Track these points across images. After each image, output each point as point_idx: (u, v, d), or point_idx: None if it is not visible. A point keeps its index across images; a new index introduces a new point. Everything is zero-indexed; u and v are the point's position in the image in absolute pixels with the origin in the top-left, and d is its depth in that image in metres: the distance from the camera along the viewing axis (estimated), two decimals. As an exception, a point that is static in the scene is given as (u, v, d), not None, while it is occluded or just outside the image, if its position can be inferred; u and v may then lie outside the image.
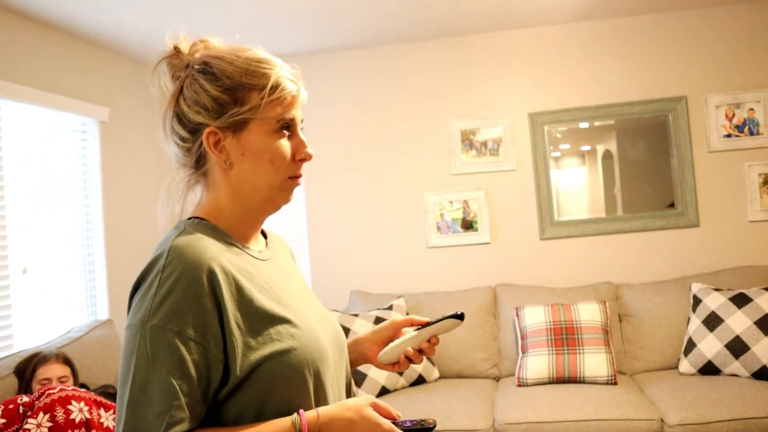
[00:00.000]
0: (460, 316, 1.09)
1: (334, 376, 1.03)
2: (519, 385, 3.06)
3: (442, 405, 2.88)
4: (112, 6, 3.00)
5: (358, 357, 1.19)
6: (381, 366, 1.15)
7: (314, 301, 1.11)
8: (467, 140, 3.70)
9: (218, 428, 0.90)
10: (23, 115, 3.08)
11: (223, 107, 0.97)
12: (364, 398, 0.96)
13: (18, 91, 2.99)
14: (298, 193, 3.97)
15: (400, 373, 3.14)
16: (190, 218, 1.01)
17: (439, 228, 3.75)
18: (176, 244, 0.91)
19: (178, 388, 0.84)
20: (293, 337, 0.94)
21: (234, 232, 1.02)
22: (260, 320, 0.93)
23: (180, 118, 0.99)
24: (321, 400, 0.97)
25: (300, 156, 1.02)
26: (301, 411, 0.91)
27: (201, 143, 0.98)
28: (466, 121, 3.72)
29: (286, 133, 1.00)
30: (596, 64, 3.63)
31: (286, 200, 1.05)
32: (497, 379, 3.35)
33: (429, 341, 1.11)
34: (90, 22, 3.20)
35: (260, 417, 0.91)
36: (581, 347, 3.04)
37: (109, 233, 3.57)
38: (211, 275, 0.89)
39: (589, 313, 3.13)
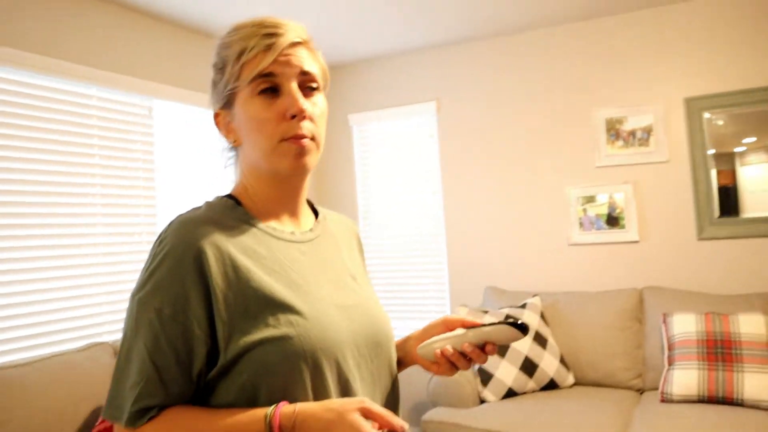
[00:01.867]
0: (520, 327, 0.93)
1: (358, 373, 0.96)
2: (663, 401, 2.76)
3: (573, 414, 2.68)
4: (261, 10, 3.15)
5: (405, 355, 1.11)
6: (423, 363, 1.05)
7: (355, 292, 1.03)
8: (613, 130, 3.40)
9: (195, 408, 0.88)
10: (174, 113, 3.36)
11: (217, 87, 0.99)
12: (355, 400, 0.86)
13: (168, 91, 3.26)
14: (435, 186, 3.93)
15: (529, 375, 2.98)
16: (222, 196, 1.01)
17: (581, 224, 3.50)
18: (177, 220, 0.92)
19: (152, 363, 0.85)
20: (292, 325, 0.89)
21: (259, 210, 1.00)
22: (258, 303, 0.89)
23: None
24: (321, 395, 0.90)
25: (290, 113, 0.94)
26: (280, 404, 0.85)
27: None
28: (612, 109, 3.41)
29: (271, 94, 0.95)
30: (765, 41, 3.14)
31: (292, 167, 0.95)
32: (641, 391, 3.06)
33: (483, 348, 0.97)
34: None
35: (253, 405, 0.86)
36: (740, 364, 2.67)
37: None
38: (200, 255, 0.87)
39: (751, 326, 2.74)
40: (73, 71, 2.75)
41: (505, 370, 2.99)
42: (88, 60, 2.83)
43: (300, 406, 0.84)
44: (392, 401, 1.05)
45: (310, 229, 1.06)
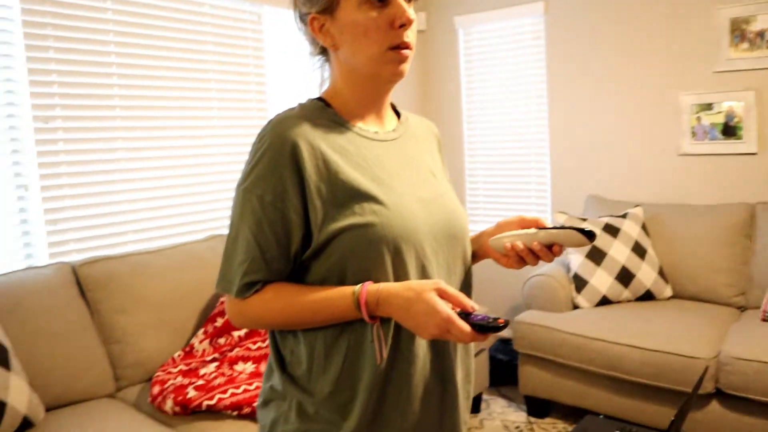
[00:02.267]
0: (587, 233, 0.99)
1: (435, 260, 1.04)
2: (763, 320, 2.71)
3: (666, 324, 2.70)
4: None
5: (479, 248, 1.18)
6: (494, 256, 1.12)
7: (434, 188, 1.11)
8: (738, 30, 3.14)
9: (293, 284, 1.02)
10: (282, 18, 3.44)
11: None
12: (432, 282, 0.94)
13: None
14: (540, 90, 3.84)
15: (625, 285, 3.00)
16: (313, 98, 1.10)
17: (694, 133, 3.33)
18: (274, 119, 1.02)
19: (256, 243, 0.99)
20: (375, 213, 0.98)
21: (347, 112, 1.08)
22: (345, 193, 0.99)
23: (298, 13, 1.09)
24: (401, 278, 0.99)
25: (398, 22, 1.00)
26: (366, 283, 0.96)
27: None
28: (739, 7, 3.13)
29: (378, 2, 1.00)
30: None
31: (394, 73, 1.03)
32: (742, 309, 2.99)
33: (551, 248, 1.03)
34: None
35: (342, 284, 0.99)
36: None
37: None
38: (294, 148, 0.97)
39: None
40: (188, -21, 2.87)
41: (601, 278, 3.02)
42: (201, -33, 2.94)
43: (383, 285, 0.95)
44: (465, 289, 1.15)
45: (393, 130, 1.14)
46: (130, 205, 2.76)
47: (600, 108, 3.62)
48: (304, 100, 1.10)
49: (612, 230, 3.10)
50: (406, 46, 1.02)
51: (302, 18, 1.08)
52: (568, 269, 3.13)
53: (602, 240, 3.08)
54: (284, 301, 1.00)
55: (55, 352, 2.09)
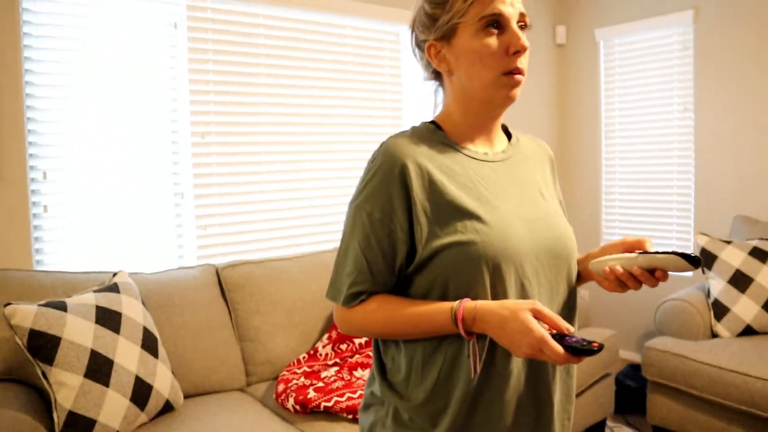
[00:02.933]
0: (691, 259, 0.95)
1: (536, 280, 1.06)
2: None
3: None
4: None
5: (584, 270, 1.17)
6: (596, 278, 1.10)
7: (541, 207, 1.13)
8: None
9: (396, 296, 1.09)
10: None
11: (436, 20, 1.10)
12: (528, 302, 0.96)
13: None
14: (687, 104, 3.62)
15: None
16: (426, 122, 1.17)
17: None
18: (387, 141, 1.09)
19: (363, 257, 1.07)
20: (477, 232, 1.02)
21: (458, 134, 1.14)
22: (449, 212, 1.04)
23: (416, 40, 1.17)
24: (499, 295, 1.02)
25: (513, 49, 1.04)
26: (464, 300, 1.00)
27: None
28: None
29: (494, 30, 1.05)
30: None
31: (506, 98, 1.08)
32: None
33: (654, 273, 1.00)
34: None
35: (443, 299, 1.04)
36: None
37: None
38: (404, 169, 1.04)
39: None
40: (331, 4, 3.07)
41: (745, 306, 2.79)
42: (340, -7, 3.14)
43: (480, 303, 0.99)
44: (568, 310, 1.14)
45: (503, 151, 1.18)
46: (271, 214, 3.01)
47: (751, 123, 3.35)
48: (417, 123, 1.17)
49: (760, 254, 2.86)
50: (519, 72, 1.07)
51: (419, 44, 1.17)
52: (708, 294, 2.92)
53: (749, 265, 2.84)
54: (387, 312, 1.07)
55: (197, 345, 2.33)
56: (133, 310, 2.09)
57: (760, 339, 2.73)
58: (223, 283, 2.56)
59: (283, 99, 3.00)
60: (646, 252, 1.01)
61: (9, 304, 1.84)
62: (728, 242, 2.96)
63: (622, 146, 3.99)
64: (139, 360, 1.99)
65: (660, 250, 1.00)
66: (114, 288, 2.13)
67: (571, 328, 0.95)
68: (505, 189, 1.11)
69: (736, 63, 3.39)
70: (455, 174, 1.08)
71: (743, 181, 3.40)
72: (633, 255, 1.02)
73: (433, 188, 1.05)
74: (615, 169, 4.04)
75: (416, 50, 1.18)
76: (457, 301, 1.01)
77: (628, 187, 3.97)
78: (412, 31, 1.17)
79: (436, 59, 1.12)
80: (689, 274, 3.60)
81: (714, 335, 2.85)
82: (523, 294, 1.05)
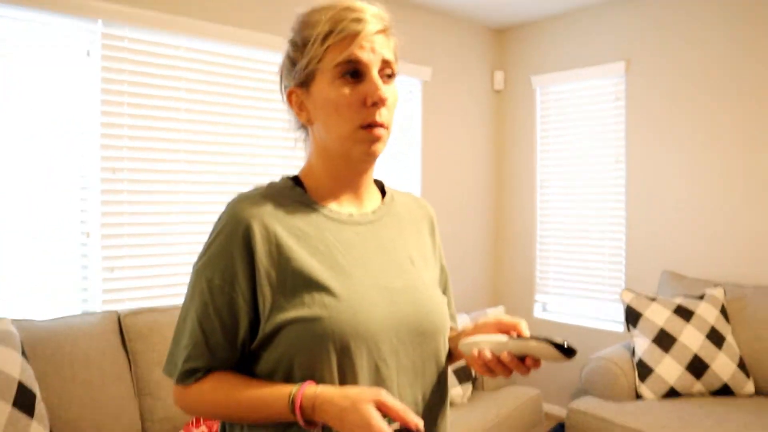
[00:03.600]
0: (564, 350, 0.87)
1: (394, 360, 0.95)
2: None
3: (744, 425, 2.40)
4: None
5: (454, 348, 1.07)
6: (466, 359, 0.99)
7: (407, 276, 1.02)
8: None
9: (236, 375, 0.96)
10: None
11: (295, 65, 0.99)
12: (372, 391, 0.86)
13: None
14: (619, 155, 3.65)
15: (696, 376, 2.71)
16: (286, 176, 1.05)
17: (788, 211, 3.03)
18: (235, 198, 0.98)
19: (200, 328, 0.94)
20: (325, 306, 0.91)
21: (320, 191, 1.02)
22: (296, 281, 0.92)
23: (281, 86, 1.05)
24: (348, 377, 0.91)
25: (370, 100, 0.94)
26: (305, 384, 0.88)
27: None
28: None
29: (352, 79, 0.95)
30: None
31: (366, 153, 0.97)
32: (838, 412, 2.62)
33: (524, 361, 0.91)
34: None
35: (289, 380, 0.91)
36: None
37: (425, 187, 3.86)
38: (248, 231, 0.93)
39: None
40: (253, 39, 2.98)
41: (669, 367, 2.75)
42: (272, 30, 3.04)
43: (321, 389, 0.87)
44: (437, 394, 1.03)
45: (373, 211, 1.07)
46: (185, 258, 2.83)
47: (682, 175, 3.38)
48: (277, 178, 1.06)
49: (684, 313, 2.84)
50: (379, 125, 0.96)
51: (284, 92, 1.05)
52: (633, 353, 2.88)
53: (673, 324, 2.82)
54: (222, 394, 0.94)
55: (87, 400, 2.13)
56: (7, 363, 1.89)
57: (683, 402, 2.69)
58: (124, 331, 2.37)
59: (202, 135, 2.86)
60: (519, 337, 0.93)
61: None
62: (653, 299, 2.94)
63: (557, 194, 3.99)
64: (7, 420, 1.79)
65: (534, 335, 0.91)
66: (-10, 338, 1.92)
67: (420, 423, 0.84)
68: (367, 255, 1.00)
69: (667, 115, 3.44)
70: (308, 238, 0.96)
71: (673, 235, 3.42)
72: (505, 339, 0.93)
73: (280, 254, 0.93)
74: (549, 219, 4.03)
75: (282, 97, 1.06)
76: (297, 386, 0.89)
77: (563, 237, 3.96)
78: (280, 77, 1.06)
79: (296, 107, 1.02)
80: (619, 329, 3.57)
81: (638, 396, 2.79)
82: (378, 377, 0.94)
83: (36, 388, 1.95)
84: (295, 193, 1.01)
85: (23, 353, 1.98)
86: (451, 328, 1.16)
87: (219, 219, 0.98)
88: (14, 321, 2.13)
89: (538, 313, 4.09)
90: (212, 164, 2.90)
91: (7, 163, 2.37)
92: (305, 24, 0.98)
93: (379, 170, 3.41)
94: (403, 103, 3.78)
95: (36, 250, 2.46)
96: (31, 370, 1.97)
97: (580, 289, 3.85)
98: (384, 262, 1.01)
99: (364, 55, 0.94)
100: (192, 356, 0.94)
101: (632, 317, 2.91)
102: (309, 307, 0.91)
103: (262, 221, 0.94)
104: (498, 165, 4.31)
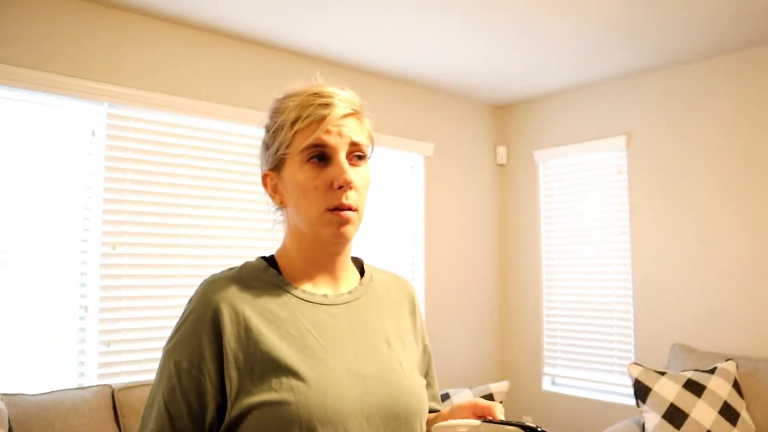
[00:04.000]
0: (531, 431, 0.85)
1: None
2: None
3: None
4: (442, 52, 3.25)
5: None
6: None
7: (382, 360, 1.00)
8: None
9: None
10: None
11: (268, 149, 1.02)
12: None
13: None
14: (623, 227, 3.63)
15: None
16: (261, 257, 1.05)
17: (796, 280, 2.96)
18: (206, 280, 0.98)
19: (166, 412, 0.91)
20: (292, 391, 0.89)
21: (294, 272, 1.02)
22: (264, 365, 0.91)
23: (260, 168, 1.07)
24: None
25: (336, 184, 0.95)
26: None
27: None
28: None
29: (319, 162, 0.97)
30: None
31: (335, 235, 0.97)
32: None
33: None
34: (418, 68, 3.53)
35: None
36: None
37: (428, 260, 3.85)
38: (216, 314, 0.92)
39: None
40: (254, 117, 3.07)
41: (681, 444, 2.63)
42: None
43: None
44: None
45: (349, 292, 1.06)
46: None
47: (688, 247, 3.35)
48: (252, 259, 1.06)
49: (695, 388, 2.74)
50: (346, 208, 0.97)
51: (262, 176, 1.07)
52: (643, 429, 2.77)
53: (684, 399, 2.72)
54: None
55: (73, 479, 2.08)
56: (-6, 440, 1.86)
57: (697, 481, 2.56)
58: (117, 406, 2.34)
59: (202, 210, 2.92)
60: (491, 421, 0.90)
61: None
62: (662, 373, 2.85)
63: (562, 267, 3.95)
64: (-13, 500, 1.75)
65: (506, 420, 0.89)
66: (-23, 413, 1.91)
67: None
68: (341, 338, 0.98)
69: (670, 187, 3.44)
70: (279, 320, 0.95)
71: (681, 307, 3.35)
72: (477, 423, 0.91)
73: (248, 337, 0.92)
74: (555, 291, 3.98)
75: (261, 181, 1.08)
76: None
77: (569, 309, 3.89)
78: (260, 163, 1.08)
79: (270, 190, 1.04)
80: (626, 400, 3.45)
81: (649, 475, 2.66)
82: None
83: (21, 466, 1.91)
84: (269, 275, 1.01)
85: (10, 430, 1.96)
86: (434, 410, 1.14)
87: (189, 301, 0.97)
88: (4, 396, 2.12)
89: (546, 386, 3.97)
90: (213, 238, 2.93)
91: (10, 235, 2.43)
92: (276, 110, 1.01)
93: (377, 246, 3.43)
94: (406, 178, 3.83)
95: (35, 322, 2.48)
96: (17, 448, 1.94)
97: (590, 361, 3.75)
98: (358, 344, 1.00)
99: (330, 139, 0.96)
100: None
101: (641, 392, 2.81)
102: (276, 391, 0.89)
103: (232, 304, 0.94)
104: (502, 238, 4.31)
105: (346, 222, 0.97)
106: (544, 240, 4.07)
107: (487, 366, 4.15)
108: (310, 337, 0.96)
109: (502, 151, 4.31)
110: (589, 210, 3.84)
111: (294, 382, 0.90)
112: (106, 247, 2.65)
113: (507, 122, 4.35)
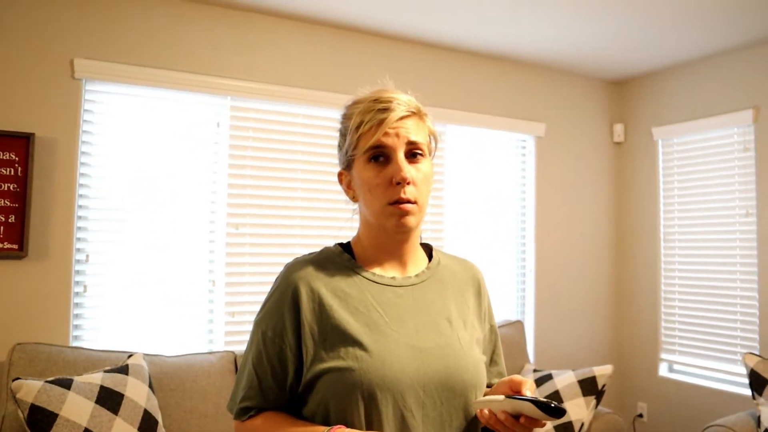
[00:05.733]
0: (551, 410, 0.91)
1: (420, 412, 1.03)
2: None
3: None
4: (553, 28, 3.23)
5: None
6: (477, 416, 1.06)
7: (442, 336, 1.10)
8: None
9: (282, 415, 1.09)
10: (467, 136, 3.62)
11: (341, 151, 1.16)
12: None
13: (463, 117, 3.54)
14: (750, 207, 3.42)
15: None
16: (338, 243, 1.20)
17: None
18: (288, 264, 1.14)
19: (255, 373, 1.10)
20: (357, 359, 1.02)
21: (365, 257, 1.16)
22: (335, 336, 1.05)
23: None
24: (374, 423, 1.01)
25: (395, 180, 1.07)
26: (336, 427, 0.99)
27: None
28: None
29: (380, 161, 1.09)
30: None
31: (397, 226, 1.09)
32: None
33: (518, 419, 0.96)
34: (528, 46, 3.51)
35: (326, 422, 1.04)
36: None
37: (539, 242, 3.84)
38: (296, 291, 1.08)
39: None
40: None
41: (801, 440, 2.49)
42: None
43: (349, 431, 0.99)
44: None
45: (416, 275, 1.17)
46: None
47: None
48: (331, 244, 1.21)
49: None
50: (405, 201, 1.08)
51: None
52: (758, 423, 2.64)
53: (806, 392, 2.56)
54: (268, 430, 1.08)
55: (202, 431, 2.38)
56: (137, 393, 2.19)
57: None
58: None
59: (315, 193, 3.13)
60: (512, 396, 0.98)
61: (18, 378, 1.99)
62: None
63: (682, 250, 3.78)
64: (131, 443, 2.06)
65: (527, 397, 0.95)
66: (123, 369, 2.24)
67: None
68: (404, 315, 1.10)
69: (799, 169, 3.18)
70: (349, 298, 1.09)
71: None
72: (501, 398, 0.99)
73: (322, 311, 1.07)
74: (674, 275, 3.82)
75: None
76: (328, 428, 1.01)
77: (688, 294, 3.73)
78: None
79: (345, 186, 1.18)
80: (746, 390, 3.27)
81: (762, 470, 2.55)
82: (404, 426, 1.03)
83: (159, 416, 2.23)
84: (343, 259, 1.16)
85: (150, 385, 2.29)
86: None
87: (275, 280, 1.14)
88: (146, 356, 2.46)
89: (663, 372, 3.84)
90: (322, 219, 3.15)
91: (151, 222, 2.78)
92: (345, 116, 1.16)
93: (486, 231, 3.45)
94: (516, 160, 3.84)
95: (172, 295, 2.82)
96: (155, 400, 2.26)
97: (710, 348, 3.58)
98: (420, 321, 1.11)
99: (389, 140, 1.08)
100: (247, 397, 1.11)
101: (757, 383, 2.68)
102: (344, 359, 1.03)
103: (309, 283, 1.10)
104: (618, 218, 4.19)
105: (405, 213, 1.09)
106: (662, 220, 3.91)
107: (602, 350, 4.08)
108: (376, 313, 1.09)
109: (619, 128, 4.17)
110: (712, 190, 3.63)
111: (359, 352, 1.03)
112: (231, 228, 2.94)
113: (624, 98, 4.19)
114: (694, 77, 3.72)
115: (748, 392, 3.28)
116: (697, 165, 3.72)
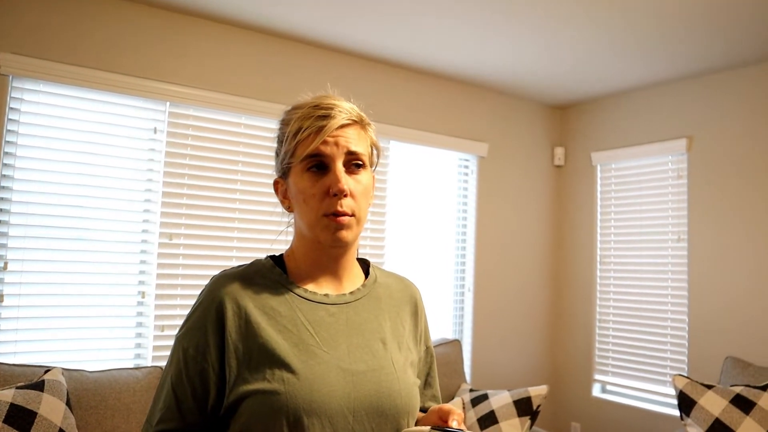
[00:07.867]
0: None
1: None
2: None
3: None
4: (495, 52, 3.26)
5: None
6: None
7: (375, 358, 1.05)
8: None
9: None
10: (410, 153, 3.62)
11: (277, 158, 1.11)
12: None
13: (406, 134, 3.53)
14: (681, 233, 3.53)
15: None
16: (270, 256, 1.14)
17: None
18: (214, 277, 1.07)
19: (173, 393, 1.01)
20: (283, 382, 0.96)
21: (300, 271, 1.09)
22: (261, 356, 0.98)
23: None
24: None
25: (332, 191, 1.01)
26: None
27: None
28: None
29: (318, 171, 1.03)
30: None
31: (332, 239, 1.03)
32: None
33: None
34: (470, 68, 3.54)
35: None
36: None
37: (479, 261, 3.86)
38: (221, 307, 1.01)
39: None
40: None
41: (725, 461, 2.55)
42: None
43: None
44: None
45: (351, 292, 1.11)
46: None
47: (748, 256, 3.22)
48: (263, 257, 1.15)
49: (744, 404, 2.64)
50: (342, 213, 1.03)
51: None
52: (686, 444, 2.70)
53: (731, 415, 2.63)
54: None
55: (122, 452, 2.25)
56: (52, 411, 2.05)
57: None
58: (166, 387, 2.50)
59: (253, 206, 3.05)
60: (439, 428, 0.94)
61: None
62: (710, 387, 2.76)
63: (617, 273, 3.87)
64: (43, 465, 1.92)
65: (453, 429, 0.92)
66: (39, 385, 2.10)
67: None
68: (336, 336, 1.04)
69: (731, 194, 3.31)
70: (278, 316, 1.03)
71: (738, 318, 3.22)
72: (427, 429, 0.95)
73: (248, 329, 1.00)
74: (609, 297, 3.90)
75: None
76: None
77: (622, 316, 3.81)
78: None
79: (281, 195, 1.12)
80: (675, 411, 3.35)
81: (689, 491, 2.60)
82: None
83: (74, 436, 2.09)
84: (274, 273, 1.09)
85: (68, 403, 2.15)
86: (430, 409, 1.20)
87: (200, 294, 1.07)
88: (65, 371, 2.31)
89: (596, 392, 3.91)
90: (261, 232, 3.07)
91: (79, 230, 2.63)
92: (283, 122, 1.10)
93: (426, 247, 3.43)
94: (458, 179, 3.86)
95: (98, 307, 2.68)
96: (73, 419, 2.12)
97: (642, 370, 3.66)
98: (353, 342, 1.05)
99: (327, 149, 1.03)
100: (164, 419, 1.02)
101: (685, 404, 2.74)
102: (269, 381, 0.97)
103: (235, 298, 1.02)
104: (557, 240, 4.26)
105: (341, 227, 1.03)
106: (599, 245, 3.99)
107: (538, 371, 4.12)
108: (306, 333, 1.02)
109: (559, 152, 4.25)
110: (646, 215, 3.74)
111: (285, 374, 0.97)
112: (164, 238, 2.82)
113: (566, 123, 4.29)
114: (632, 105, 3.84)
115: (677, 413, 3.37)
116: (633, 190, 3.83)
